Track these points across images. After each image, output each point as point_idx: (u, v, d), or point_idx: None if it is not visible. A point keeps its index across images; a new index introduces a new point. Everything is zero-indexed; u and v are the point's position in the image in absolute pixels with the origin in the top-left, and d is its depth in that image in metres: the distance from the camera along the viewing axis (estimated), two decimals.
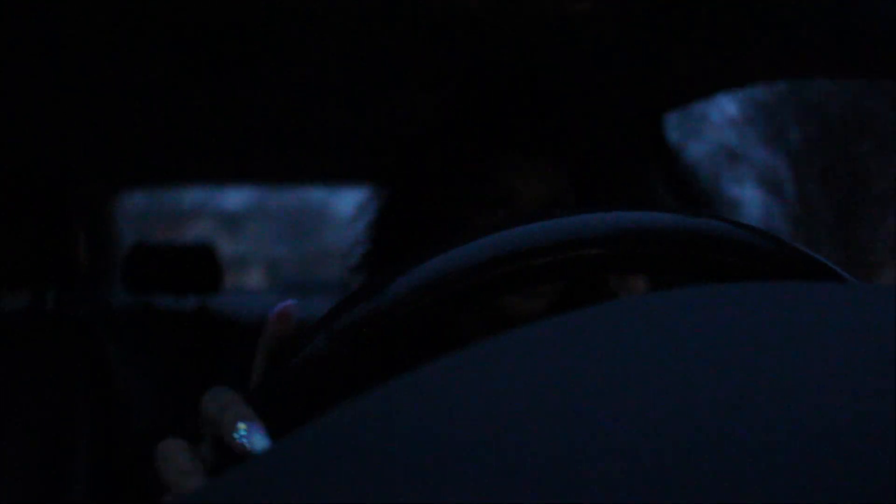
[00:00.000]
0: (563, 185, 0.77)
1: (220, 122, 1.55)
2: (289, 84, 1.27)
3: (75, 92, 1.28)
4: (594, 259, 0.33)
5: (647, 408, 0.15)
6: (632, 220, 0.34)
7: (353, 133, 1.62)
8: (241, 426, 0.35)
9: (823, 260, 0.35)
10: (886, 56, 0.73)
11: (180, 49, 1.09)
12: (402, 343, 0.34)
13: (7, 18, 0.94)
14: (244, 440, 0.35)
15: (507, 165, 0.75)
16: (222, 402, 0.38)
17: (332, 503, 0.14)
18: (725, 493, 0.13)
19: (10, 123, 1.41)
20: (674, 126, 1.25)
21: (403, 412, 0.17)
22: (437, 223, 0.77)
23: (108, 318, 1.91)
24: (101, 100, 1.34)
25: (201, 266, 1.95)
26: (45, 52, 1.08)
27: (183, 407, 1.72)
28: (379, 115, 1.46)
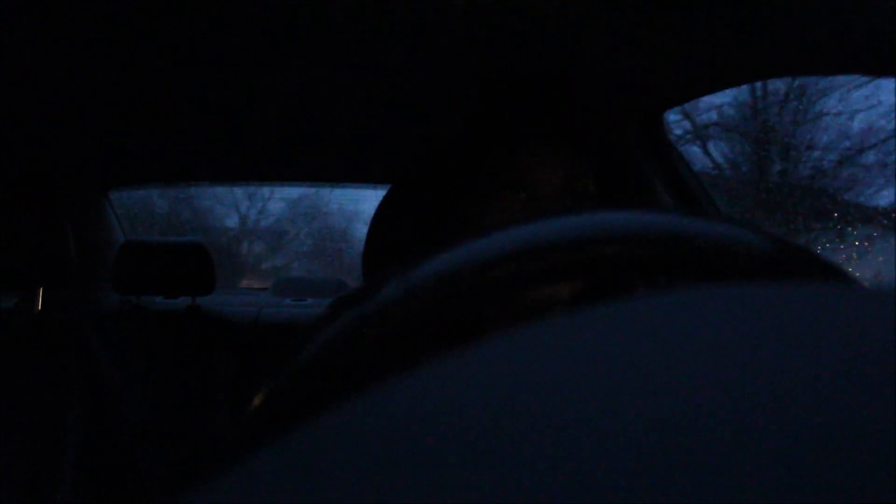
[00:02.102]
0: (580, 172, 0.79)
1: (213, 122, 1.54)
2: (287, 82, 1.27)
3: (64, 90, 1.28)
4: (599, 260, 0.33)
5: (647, 408, 0.15)
6: (637, 221, 0.34)
7: (350, 133, 1.62)
8: None
9: (829, 261, 0.35)
10: (887, 54, 0.74)
11: (175, 47, 1.09)
12: (413, 337, 0.33)
13: (1, 17, 0.93)
14: None
15: (526, 152, 0.78)
16: None
17: (335, 503, 0.14)
18: (725, 493, 0.13)
19: (1, 123, 1.41)
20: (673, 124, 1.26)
21: (412, 408, 0.17)
22: (457, 212, 0.80)
23: (98, 318, 1.90)
24: (91, 98, 1.33)
25: (193, 265, 1.94)
26: (37, 51, 1.07)
27: (174, 406, 1.72)
28: (377, 113, 1.46)
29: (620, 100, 1.17)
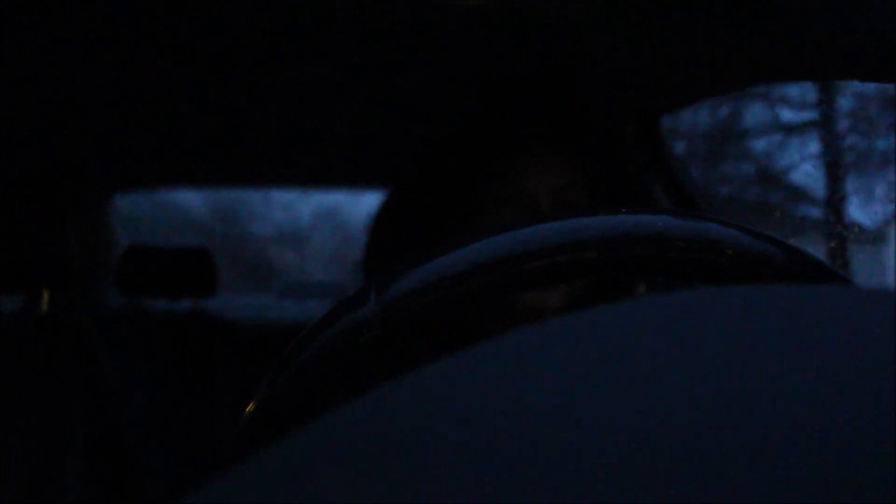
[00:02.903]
0: (575, 180, 0.78)
1: (217, 124, 1.54)
2: (290, 84, 1.27)
3: (69, 92, 1.28)
4: (591, 262, 0.33)
5: (647, 409, 0.15)
6: (636, 223, 0.34)
7: (352, 135, 1.62)
8: None
9: (824, 262, 0.35)
10: (889, 59, 0.73)
11: (178, 49, 1.09)
12: (409, 339, 0.33)
13: (4, 17, 0.93)
14: None
15: (525, 153, 0.78)
16: None
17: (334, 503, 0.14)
18: (725, 492, 0.13)
19: (3, 125, 1.41)
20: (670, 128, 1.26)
21: (407, 411, 0.17)
22: (452, 221, 0.79)
23: (102, 321, 1.90)
24: (96, 100, 1.33)
25: (196, 269, 1.95)
26: (40, 52, 1.07)
27: (176, 408, 1.72)
28: (382, 116, 1.46)
29: (619, 102, 1.17)
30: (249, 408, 0.35)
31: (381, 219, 0.87)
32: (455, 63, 1.13)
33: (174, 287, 1.93)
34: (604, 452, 0.14)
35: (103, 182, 2.13)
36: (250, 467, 0.16)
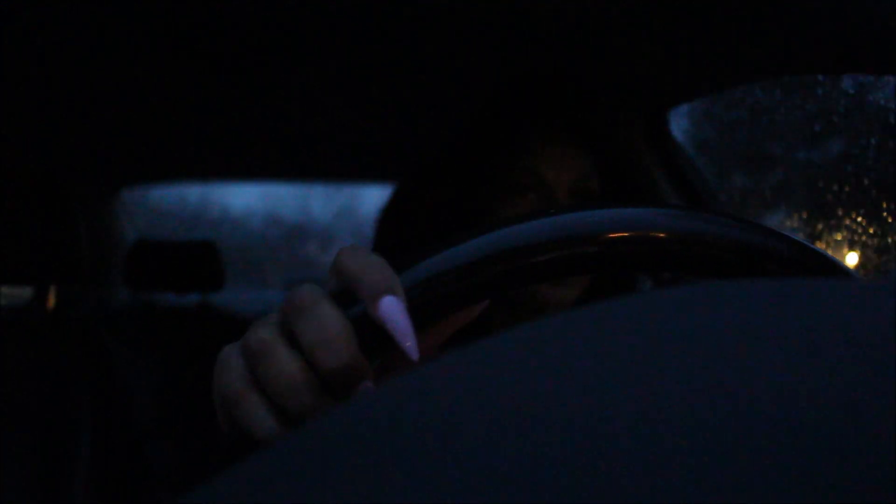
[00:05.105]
0: (588, 173, 0.78)
1: (224, 119, 1.54)
2: (295, 79, 1.27)
3: (77, 87, 1.28)
4: (593, 257, 0.33)
5: (647, 406, 0.15)
6: (642, 217, 0.33)
7: (359, 130, 1.62)
8: (388, 299, 0.29)
9: (830, 256, 0.35)
10: (889, 52, 0.73)
11: (184, 45, 1.09)
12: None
13: (9, 16, 0.94)
14: (387, 313, 0.29)
15: (535, 152, 0.77)
16: (366, 262, 0.31)
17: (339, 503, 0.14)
18: (727, 491, 0.13)
19: (12, 119, 1.41)
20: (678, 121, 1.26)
21: (413, 407, 0.17)
22: (465, 212, 0.79)
23: (109, 315, 1.91)
24: (103, 95, 1.34)
25: (204, 263, 1.95)
26: (48, 49, 1.08)
27: (184, 404, 1.72)
28: (383, 110, 1.46)
29: (626, 97, 1.17)
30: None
31: (387, 215, 0.87)
32: (463, 57, 1.13)
33: (182, 281, 1.93)
34: (608, 450, 0.14)
35: (111, 177, 2.14)
36: (255, 464, 0.16)
